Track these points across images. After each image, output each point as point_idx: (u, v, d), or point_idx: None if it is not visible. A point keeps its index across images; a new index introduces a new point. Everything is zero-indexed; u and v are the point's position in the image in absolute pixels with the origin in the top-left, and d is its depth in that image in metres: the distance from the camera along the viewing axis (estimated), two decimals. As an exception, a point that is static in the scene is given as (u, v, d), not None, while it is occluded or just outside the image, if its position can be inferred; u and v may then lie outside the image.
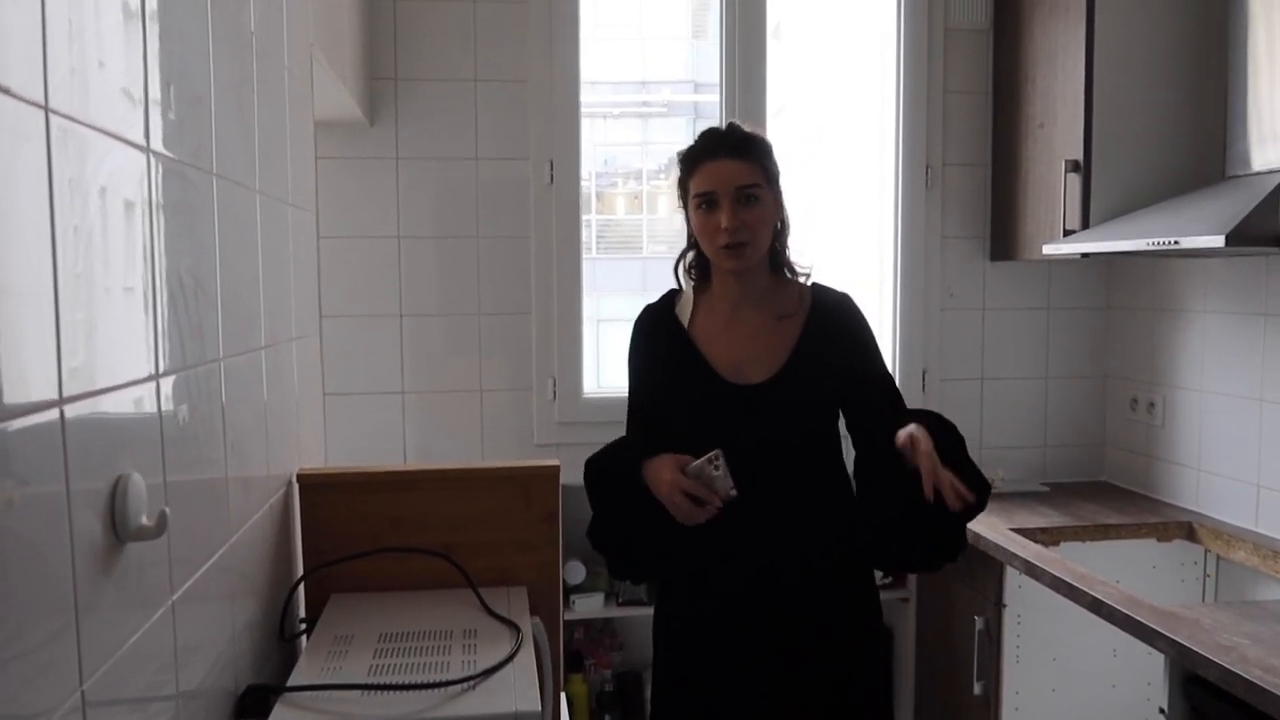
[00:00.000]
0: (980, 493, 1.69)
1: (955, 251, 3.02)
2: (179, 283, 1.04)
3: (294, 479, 1.63)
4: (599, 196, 3.26)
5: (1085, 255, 2.53)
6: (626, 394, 1.90)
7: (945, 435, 1.68)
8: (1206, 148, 2.48)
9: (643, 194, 3.36)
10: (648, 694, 2.37)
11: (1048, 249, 2.60)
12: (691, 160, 1.77)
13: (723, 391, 1.77)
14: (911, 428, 1.62)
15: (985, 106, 3.00)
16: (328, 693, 1.22)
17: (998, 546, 2.38)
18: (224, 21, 1.23)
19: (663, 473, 1.68)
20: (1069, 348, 3.08)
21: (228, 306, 1.22)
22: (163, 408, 0.98)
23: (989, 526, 2.50)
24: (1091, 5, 2.52)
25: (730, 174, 1.72)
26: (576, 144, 2.84)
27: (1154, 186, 2.51)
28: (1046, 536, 2.54)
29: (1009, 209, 2.90)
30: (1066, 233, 2.57)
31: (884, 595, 2.01)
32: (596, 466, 1.83)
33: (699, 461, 1.65)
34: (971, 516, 1.71)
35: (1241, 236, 1.95)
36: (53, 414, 0.75)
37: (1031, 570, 2.25)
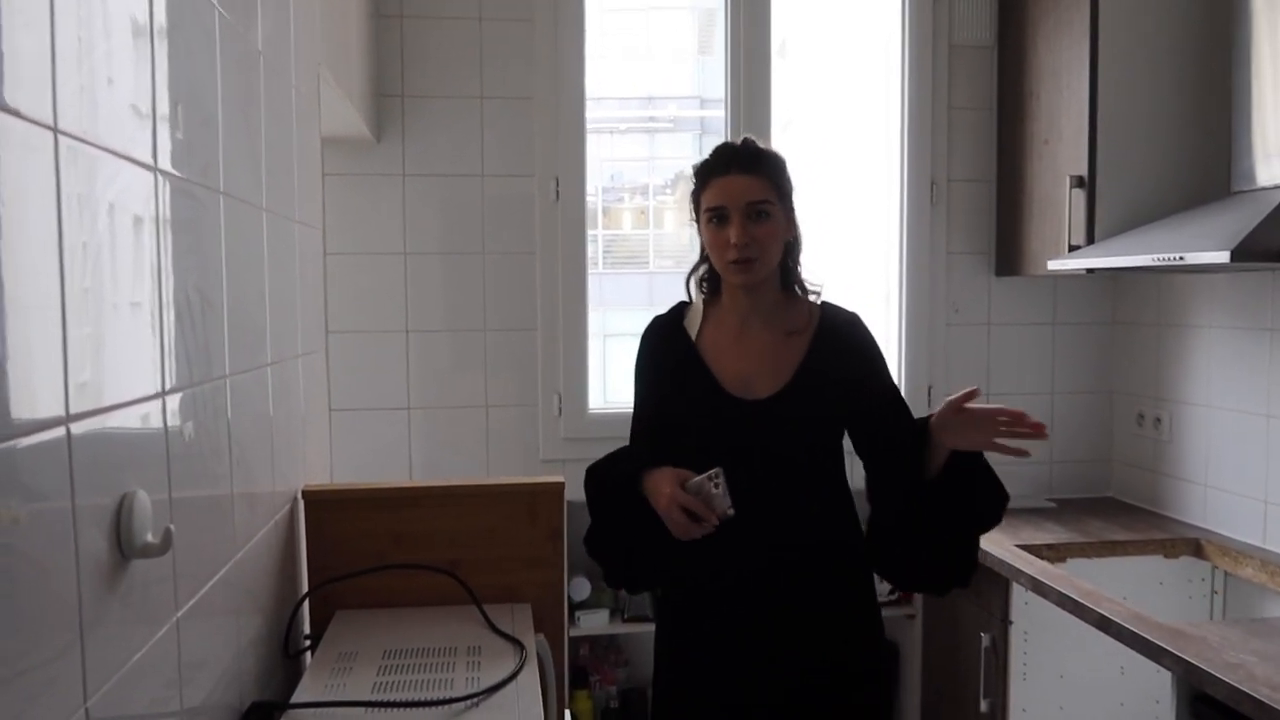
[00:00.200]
0: (997, 505, 1.69)
1: (960, 267, 3.03)
2: (186, 300, 1.04)
3: (299, 495, 1.64)
4: (605, 212, 3.27)
5: (1090, 271, 2.53)
6: (632, 409, 1.91)
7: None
8: (1211, 163, 2.49)
9: (649, 209, 3.37)
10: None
11: (1053, 264, 2.60)
12: (704, 175, 1.78)
13: (728, 405, 1.77)
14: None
15: (990, 122, 3.01)
16: (332, 710, 1.22)
17: (1004, 563, 2.38)
18: (232, 41, 1.24)
19: (662, 486, 1.68)
20: (1075, 363, 3.08)
21: (234, 323, 1.23)
22: (169, 424, 0.99)
23: (995, 543, 2.49)
24: (1096, 21, 2.53)
25: (741, 189, 1.73)
26: (582, 160, 2.86)
27: (1159, 202, 2.52)
28: (1053, 553, 2.53)
29: (1014, 225, 2.90)
30: (1072, 248, 2.57)
31: (890, 612, 2.00)
32: (598, 474, 1.84)
33: (699, 478, 1.65)
34: (986, 529, 1.72)
35: (1247, 252, 1.95)
36: (59, 431, 0.75)
37: (1038, 587, 2.25)
